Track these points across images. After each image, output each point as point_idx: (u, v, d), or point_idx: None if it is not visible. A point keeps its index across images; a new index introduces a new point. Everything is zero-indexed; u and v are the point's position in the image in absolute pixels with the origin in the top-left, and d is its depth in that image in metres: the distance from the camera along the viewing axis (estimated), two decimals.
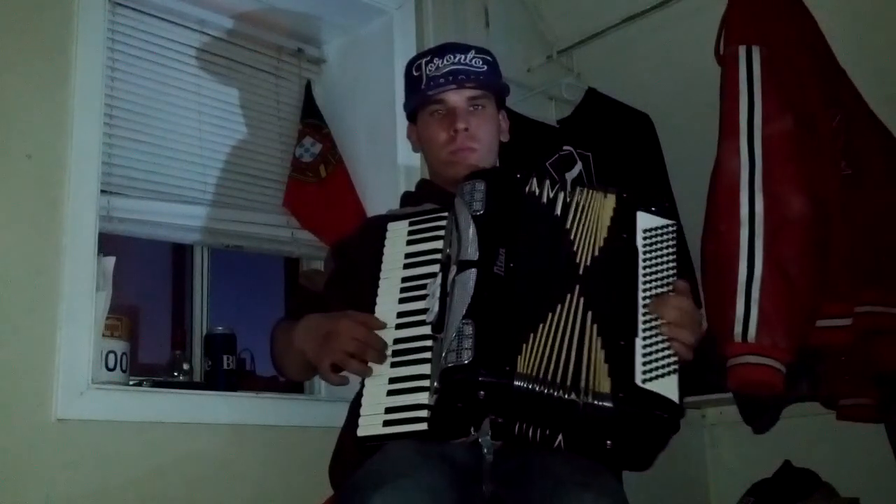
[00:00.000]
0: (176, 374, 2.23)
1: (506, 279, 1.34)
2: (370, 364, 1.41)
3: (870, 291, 1.90)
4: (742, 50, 1.81)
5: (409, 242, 1.51)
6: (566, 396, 1.29)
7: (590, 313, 1.34)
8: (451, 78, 1.67)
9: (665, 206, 1.44)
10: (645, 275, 1.39)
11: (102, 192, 1.94)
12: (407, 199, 1.78)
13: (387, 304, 1.46)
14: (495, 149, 1.73)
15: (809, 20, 1.97)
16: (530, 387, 1.29)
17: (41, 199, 1.80)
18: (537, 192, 1.43)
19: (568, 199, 1.42)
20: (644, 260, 1.39)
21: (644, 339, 1.34)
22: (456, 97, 1.67)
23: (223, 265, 2.42)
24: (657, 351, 1.33)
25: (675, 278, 1.41)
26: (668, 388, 1.31)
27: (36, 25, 1.85)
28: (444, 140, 1.67)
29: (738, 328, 1.70)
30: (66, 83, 1.86)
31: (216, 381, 2.16)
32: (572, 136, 2.71)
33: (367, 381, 1.41)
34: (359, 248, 1.65)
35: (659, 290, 1.39)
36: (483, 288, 1.32)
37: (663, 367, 1.32)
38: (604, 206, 1.43)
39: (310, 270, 2.48)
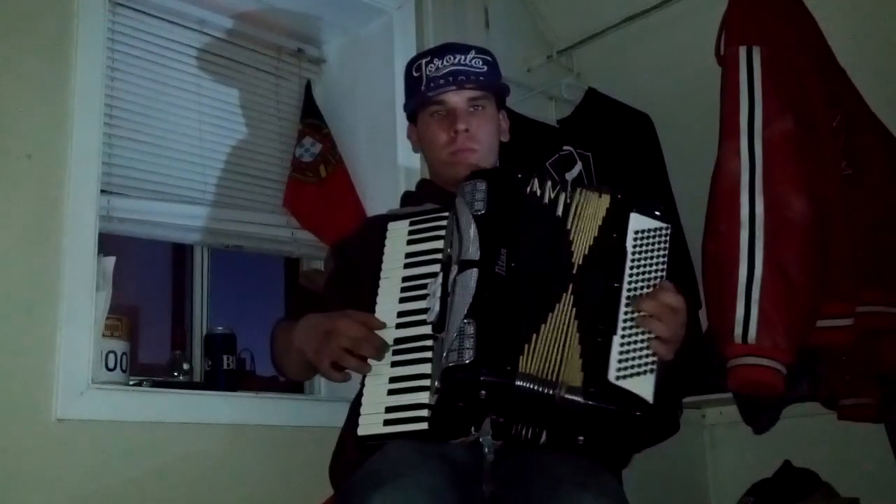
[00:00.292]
0: (176, 374, 2.23)
1: (507, 279, 1.34)
2: (369, 361, 1.41)
3: (870, 291, 1.90)
4: (742, 50, 1.82)
5: (410, 242, 1.51)
6: (545, 392, 1.29)
7: (575, 311, 1.35)
8: (451, 79, 1.67)
9: (660, 209, 1.44)
10: (631, 275, 1.38)
11: (102, 192, 1.94)
12: (407, 198, 1.79)
13: (387, 304, 1.46)
14: (496, 149, 1.73)
15: (809, 20, 1.97)
16: (532, 387, 1.29)
17: (41, 199, 1.79)
18: (538, 192, 1.43)
19: (568, 200, 1.43)
20: (632, 261, 1.39)
21: (623, 336, 1.34)
22: (456, 98, 1.68)
23: (223, 265, 2.42)
24: (635, 350, 1.33)
25: (663, 280, 1.41)
26: (641, 386, 1.31)
27: (36, 25, 1.85)
28: (444, 141, 1.67)
29: (738, 329, 1.70)
30: (66, 83, 1.86)
31: (216, 381, 2.16)
32: (572, 136, 2.70)
33: (367, 381, 1.41)
34: (359, 247, 1.66)
35: (645, 291, 1.39)
36: (484, 288, 1.32)
37: (639, 365, 1.32)
38: (598, 207, 1.43)
39: (310, 270, 2.48)
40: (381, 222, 1.59)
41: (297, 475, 2.01)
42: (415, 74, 1.72)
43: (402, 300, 1.46)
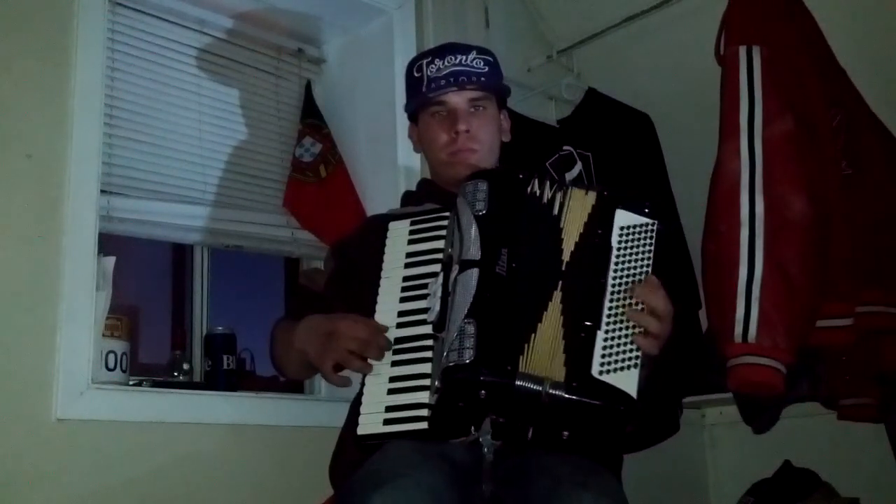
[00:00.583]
0: (176, 374, 2.23)
1: (507, 279, 1.34)
2: (371, 362, 1.41)
3: (870, 291, 1.90)
4: (742, 50, 1.82)
5: (411, 242, 1.51)
6: (535, 389, 1.29)
7: (562, 307, 1.35)
8: (452, 79, 1.67)
9: (647, 205, 1.44)
10: (616, 270, 1.39)
11: (102, 192, 1.94)
12: (408, 198, 1.79)
13: (388, 304, 1.46)
14: (496, 149, 1.73)
15: (810, 20, 1.97)
16: (531, 386, 1.29)
17: (41, 199, 1.79)
18: (538, 192, 1.44)
19: (562, 199, 1.43)
20: (617, 256, 1.40)
21: (606, 332, 1.34)
22: (457, 98, 1.68)
23: (223, 265, 2.42)
24: (619, 345, 1.33)
25: (648, 275, 1.40)
26: (625, 381, 1.31)
27: (36, 25, 1.85)
28: (444, 141, 1.67)
29: (738, 329, 1.70)
30: (67, 83, 1.86)
31: (216, 381, 2.16)
32: (572, 136, 2.70)
33: (367, 380, 1.42)
34: (359, 247, 1.66)
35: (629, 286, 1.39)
36: (485, 288, 1.32)
37: (623, 360, 1.32)
38: (584, 204, 1.43)
39: (310, 269, 2.48)
40: (382, 222, 1.60)
41: (297, 475, 2.01)
42: (416, 75, 1.72)
43: (402, 300, 1.46)
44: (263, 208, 2.41)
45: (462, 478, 1.32)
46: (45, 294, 1.75)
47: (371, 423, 1.37)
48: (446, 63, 1.68)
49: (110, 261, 1.91)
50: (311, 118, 2.49)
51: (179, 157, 2.27)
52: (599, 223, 1.42)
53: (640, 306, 1.36)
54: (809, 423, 2.35)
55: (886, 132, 2.09)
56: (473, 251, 1.35)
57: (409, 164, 2.34)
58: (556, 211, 1.42)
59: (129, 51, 2.21)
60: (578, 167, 2.66)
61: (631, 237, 1.41)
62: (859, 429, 2.12)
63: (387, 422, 1.36)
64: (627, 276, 1.38)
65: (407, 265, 1.49)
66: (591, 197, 1.44)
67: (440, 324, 1.36)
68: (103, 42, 1.97)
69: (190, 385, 2.20)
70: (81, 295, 1.79)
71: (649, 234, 1.42)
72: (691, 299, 2.47)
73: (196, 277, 2.36)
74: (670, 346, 1.40)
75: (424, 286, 1.44)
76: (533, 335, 1.32)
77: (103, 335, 1.88)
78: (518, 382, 1.29)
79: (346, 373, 1.46)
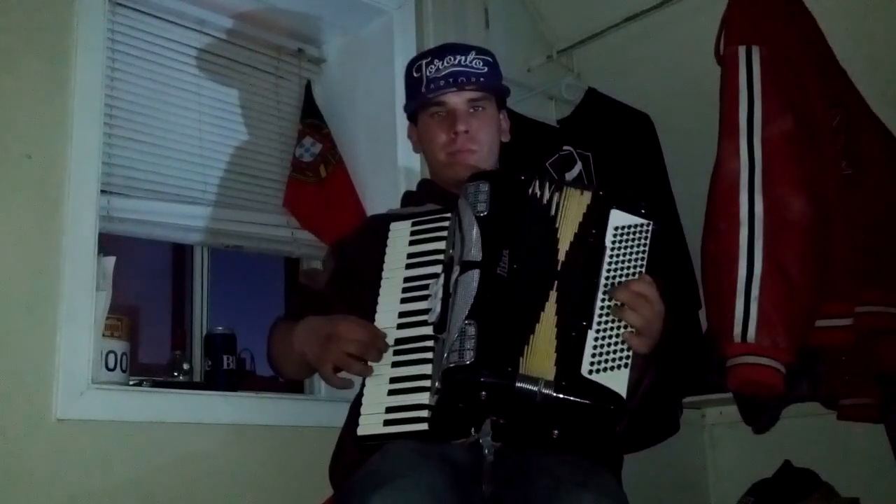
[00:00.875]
0: (176, 374, 2.23)
1: (508, 280, 1.34)
2: (371, 364, 1.41)
3: (870, 291, 1.90)
4: (742, 50, 1.82)
5: (412, 243, 1.52)
6: (531, 389, 1.29)
7: (557, 307, 1.35)
8: (451, 80, 1.67)
9: (643, 205, 1.44)
10: (609, 270, 1.38)
11: (102, 192, 1.94)
12: (408, 198, 1.78)
13: (389, 304, 1.46)
14: (496, 150, 1.72)
15: (810, 20, 1.97)
16: (530, 387, 1.29)
17: (41, 199, 1.79)
18: (538, 193, 1.44)
19: (558, 199, 1.43)
20: (611, 256, 1.39)
21: (597, 331, 1.34)
22: (456, 99, 1.67)
23: (223, 265, 2.42)
24: (610, 345, 1.33)
25: (642, 274, 1.40)
26: (615, 381, 1.31)
27: (36, 26, 1.85)
28: (444, 142, 1.67)
29: (737, 328, 1.70)
30: (66, 83, 1.86)
31: (216, 381, 2.16)
32: (572, 136, 2.71)
33: (367, 381, 1.42)
34: (359, 247, 1.66)
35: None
36: (486, 289, 1.32)
37: (613, 360, 1.32)
38: (580, 204, 1.43)
39: (310, 269, 2.48)
40: (382, 222, 1.60)
41: (297, 475, 2.01)
42: (415, 75, 1.72)
43: (403, 300, 1.46)
44: (263, 208, 2.41)
45: (462, 478, 1.32)
46: (45, 294, 1.75)
47: (371, 423, 1.37)
48: (446, 63, 1.68)
49: (110, 261, 1.91)
50: (311, 118, 2.49)
51: (179, 156, 2.27)
52: (594, 223, 1.41)
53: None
54: (809, 423, 2.35)
55: (886, 132, 2.08)
56: (475, 252, 1.35)
57: (409, 165, 2.34)
58: (552, 211, 1.42)
59: (129, 51, 2.21)
60: (578, 167, 2.66)
61: (625, 237, 1.41)
62: (859, 429, 2.12)
63: (387, 422, 1.36)
64: (621, 276, 1.38)
65: (408, 266, 1.49)
66: (587, 197, 1.44)
67: (441, 325, 1.36)
68: (103, 42, 1.97)
69: (190, 385, 2.20)
70: (81, 295, 1.79)
71: (644, 234, 1.42)
72: (691, 299, 2.48)
73: (196, 277, 2.36)
74: (669, 345, 1.40)
75: (425, 287, 1.44)
76: (531, 336, 1.32)
77: (103, 335, 1.88)
78: (518, 384, 1.29)
79: (346, 374, 1.46)
